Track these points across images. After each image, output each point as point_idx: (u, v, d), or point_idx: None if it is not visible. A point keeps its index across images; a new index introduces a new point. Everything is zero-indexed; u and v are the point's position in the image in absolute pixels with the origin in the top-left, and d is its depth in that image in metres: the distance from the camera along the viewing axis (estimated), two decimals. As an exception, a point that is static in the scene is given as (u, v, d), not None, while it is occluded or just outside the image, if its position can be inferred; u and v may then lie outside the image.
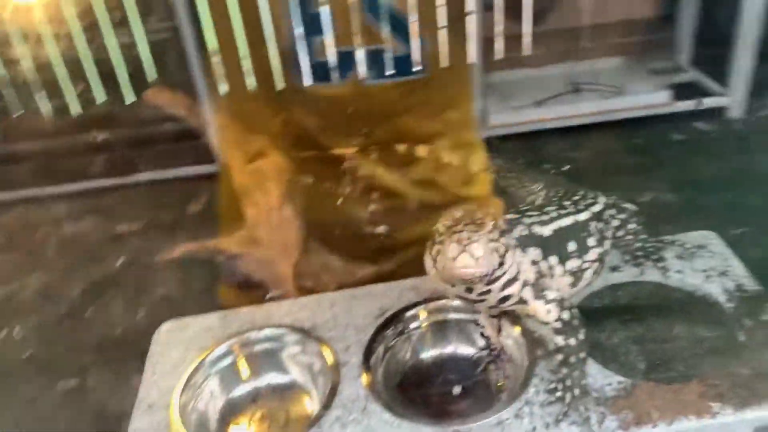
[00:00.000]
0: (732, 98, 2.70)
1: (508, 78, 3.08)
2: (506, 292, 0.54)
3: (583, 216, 0.59)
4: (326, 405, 0.59)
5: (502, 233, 0.51)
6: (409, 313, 0.67)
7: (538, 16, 0.63)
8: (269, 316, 0.70)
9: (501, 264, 0.51)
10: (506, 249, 0.51)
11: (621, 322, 0.63)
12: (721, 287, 0.64)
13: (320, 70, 0.71)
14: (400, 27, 0.69)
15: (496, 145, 0.78)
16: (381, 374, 0.62)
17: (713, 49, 3.05)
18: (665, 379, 0.56)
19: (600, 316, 0.64)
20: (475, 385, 0.63)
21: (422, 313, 0.67)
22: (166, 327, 0.70)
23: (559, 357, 0.55)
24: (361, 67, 0.71)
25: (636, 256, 0.67)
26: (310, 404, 0.64)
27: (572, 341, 0.54)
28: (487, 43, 0.65)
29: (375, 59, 0.70)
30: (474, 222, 0.49)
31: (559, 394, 0.55)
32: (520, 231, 0.56)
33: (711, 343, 0.59)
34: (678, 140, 2.79)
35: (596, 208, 0.62)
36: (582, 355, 0.55)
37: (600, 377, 0.57)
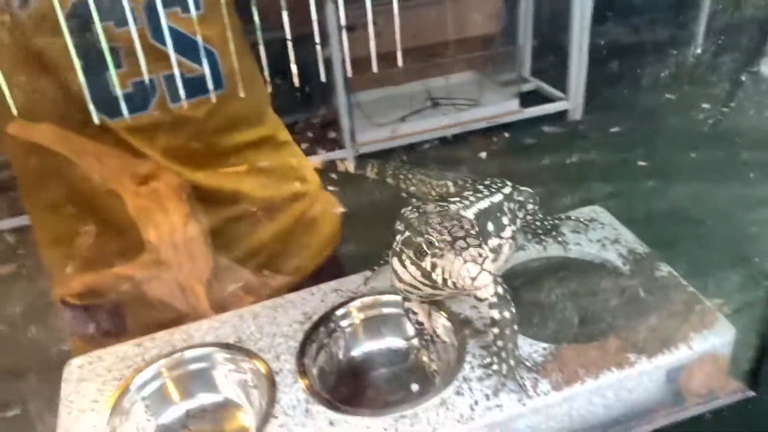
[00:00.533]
0: (571, 102, 2.97)
1: (372, 97, 3.16)
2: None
3: (496, 198, 0.63)
4: (267, 416, 0.57)
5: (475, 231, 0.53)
6: (339, 312, 0.67)
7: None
8: (189, 336, 0.67)
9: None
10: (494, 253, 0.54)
11: (535, 295, 0.67)
12: (616, 253, 0.70)
13: (115, 105, 0.68)
14: (188, 47, 0.69)
15: (366, 162, 0.81)
16: (317, 375, 0.62)
17: (551, 60, 3.35)
18: (585, 340, 0.60)
19: (517, 291, 0.67)
20: (410, 372, 0.64)
21: (353, 310, 0.67)
22: (76, 362, 0.65)
23: (495, 330, 0.57)
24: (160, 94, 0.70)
25: (537, 234, 0.72)
26: (247, 420, 0.62)
27: (506, 314, 0.57)
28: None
29: (170, 84, 0.70)
30: (462, 228, 0.51)
31: (495, 367, 0.57)
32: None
33: (618, 302, 0.64)
34: (530, 143, 3.01)
35: (506, 190, 0.66)
36: (515, 327, 0.58)
37: (526, 346, 0.60)
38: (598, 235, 0.73)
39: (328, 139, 2.92)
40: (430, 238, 0.50)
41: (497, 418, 0.55)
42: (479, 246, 0.50)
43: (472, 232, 0.51)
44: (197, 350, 0.64)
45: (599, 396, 0.57)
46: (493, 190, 0.64)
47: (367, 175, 0.82)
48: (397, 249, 0.55)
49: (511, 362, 0.57)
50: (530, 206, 0.70)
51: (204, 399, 0.64)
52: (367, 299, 0.67)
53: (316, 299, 0.69)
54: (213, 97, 0.71)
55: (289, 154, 0.86)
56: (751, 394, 0.58)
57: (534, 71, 3.31)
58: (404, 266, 0.54)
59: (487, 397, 0.56)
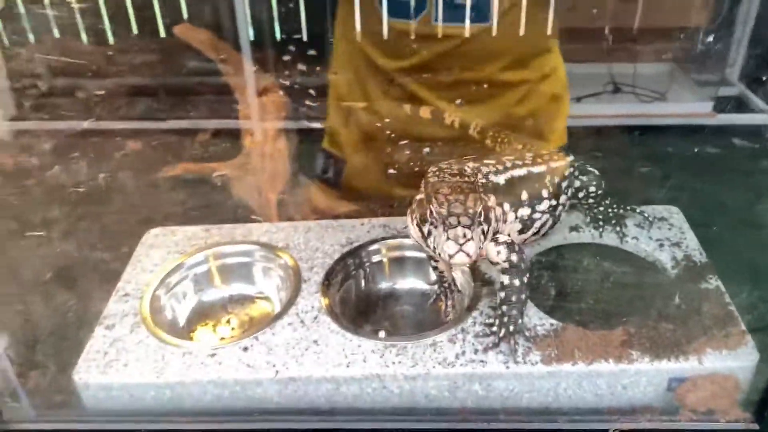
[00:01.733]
0: (776, 117, 2.65)
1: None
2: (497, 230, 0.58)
3: (537, 169, 0.63)
4: (282, 312, 0.64)
5: (482, 209, 0.54)
6: (372, 247, 0.71)
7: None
8: (249, 233, 0.75)
9: (487, 232, 0.55)
10: (488, 223, 0.55)
11: (570, 275, 0.66)
12: (670, 256, 0.66)
13: (399, 8, 0.73)
14: None
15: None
16: (337, 293, 0.67)
17: (764, 68, 2.99)
18: (595, 327, 0.59)
19: (553, 268, 0.67)
20: (426, 313, 0.67)
21: (383, 248, 0.71)
22: (155, 231, 0.76)
23: (502, 294, 0.59)
24: (432, 10, 0.74)
25: (596, 219, 0.70)
26: (271, 310, 0.69)
27: (516, 282, 0.58)
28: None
29: (444, 4, 0.74)
30: (462, 205, 0.52)
31: (494, 328, 0.59)
32: (478, 179, 0.59)
33: (646, 302, 0.62)
34: (713, 152, 2.75)
35: (555, 164, 0.65)
36: (523, 296, 0.58)
37: (535, 318, 0.60)
38: (661, 235, 0.69)
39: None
40: (431, 208, 0.53)
41: (477, 371, 0.57)
42: (468, 227, 0.51)
43: (470, 212, 0.52)
44: (245, 245, 0.72)
45: (590, 383, 0.56)
46: (539, 161, 0.63)
47: (470, 132, 0.83)
48: (413, 207, 0.57)
49: (511, 327, 0.58)
50: (592, 189, 0.68)
51: (241, 288, 0.72)
52: (398, 240, 0.71)
53: (363, 229, 0.74)
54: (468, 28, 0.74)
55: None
56: (755, 427, 0.53)
57: (742, 75, 2.99)
58: (413, 224, 0.57)
59: (476, 351, 0.58)
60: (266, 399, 0.59)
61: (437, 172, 0.58)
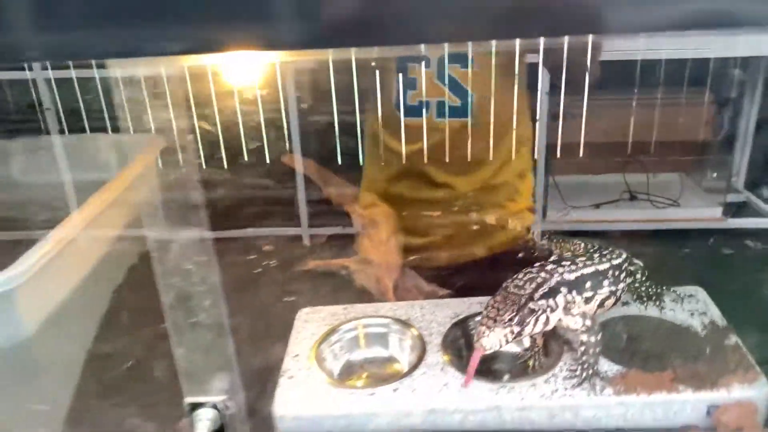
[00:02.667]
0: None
1: (570, 182, 3.34)
2: (537, 330, 0.81)
3: (602, 266, 0.87)
4: (416, 365, 0.87)
5: (517, 312, 0.77)
6: (478, 318, 0.95)
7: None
8: (376, 310, 0.99)
9: (517, 334, 0.78)
10: (519, 325, 0.79)
11: (628, 336, 0.90)
12: (700, 322, 0.90)
13: (410, 110, 1.11)
14: (457, 89, 1.10)
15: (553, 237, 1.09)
16: (453, 353, 0.90)
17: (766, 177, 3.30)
18: (650, 371, 0.82)
19: (615, 332, 0.90)
20: (517, 370, 0.90)
21: (484, 315, 0.95)
22: (305, 311, 1.00)
23: (582, 348, 0.82)
24: (432, 111, 1.13)
25: (641, 297, 0.94)
26: (402, 369, 0.92)
27: (592, 339, 0.81)
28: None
29: (440, 107, 1.10)
30: (504, 308, 0.76)
31: (578, 372, 0.82)
32: (556, 278, 0.84)
33: (686, 352, 0.85)
34: (727, 253, 2.99)
35: (616, 261, 0.90)
36: (597, 349, 0.82)
37: (606, 366, 0.83)
38: (691, 307, 0.93)
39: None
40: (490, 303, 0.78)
41: (568, 403, 0.79)
42: (489, 327, 0.75)
43: (505, 316, 0.76)
44: (380, 319, 0.97)
45: (649, 410, 0.78)
46: (605, 260, 0.88)
47: (552, 249, 1.08)
48: None
49: (590, 371, 0.81)
50: (638, 276, 0.93)
51: (378, 352, 0.95)
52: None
53: (465, 306, 0.98)
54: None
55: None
56: (772, 438, 0.75)
57: (747, 184, 3.28)
58: None
59: (566, 388, 0.81)
60: (413, 426, 0.81)
61: (514, 278, 0.83)
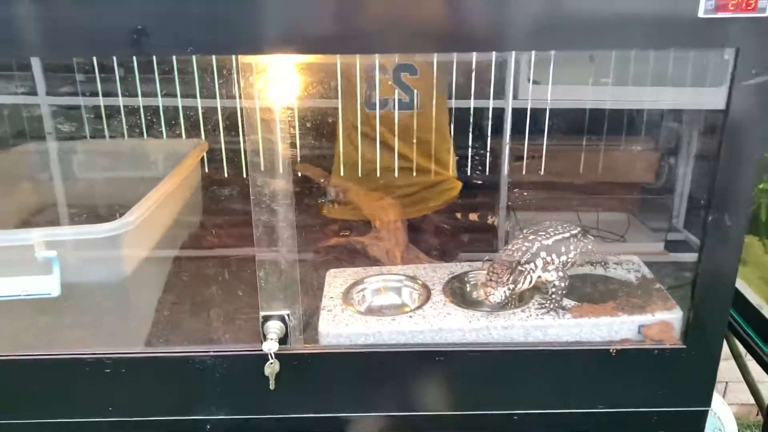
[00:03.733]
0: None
1: (529, 217, 3.66)
2: (526, 286, 1.10)
3: (566, 235, 1.18)
4: (424, 303, 1.15)
5: (511, 273, 1.08)
6: (469, 275, 1.24)
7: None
8: (389, 270, 1.27)
9: (512, 289, 1.08)
10: (514, 283, 1.09)
11: (583, 284, 1.20)
12: (634, 276, 1.21)
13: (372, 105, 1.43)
14: (406, 88, 1.45)
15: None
16: (452, 296, 1.18)
17: (699, 218, 3.70)
18: (597, 302, 1.11)
19: (573, 283, 1.20)
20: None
21: (473, 273, 1.24)
22: (332, 271, 1.27)
23: (552, 289, 1.11)
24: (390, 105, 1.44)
25: (591, 262, 1.25)
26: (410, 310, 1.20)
27: (562, 284, 1.11)
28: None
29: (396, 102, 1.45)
30: (502, 271, 1.07)
31: (547, 304, 1.11)
32: (536, 245, 1.14)
33: (623, 293, 1.15)
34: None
35: (574, 231, 1.20)
36: (563, 291, 1.11)
37: (567, 302, 1.12)
38: (628, 267, 1.24)
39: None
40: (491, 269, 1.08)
41: (538, 323, 1.08)
42: (495, 284, 1.06)
43: (503, 278, 1.06)
44: (395, 275, 1.24)
45: (597, 329, 1.08)
46: (565, 231, 1.18)
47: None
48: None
49: (555, 305, 1.10)
50: (590, 246, 1.24)
51: (392, 300, 1.23)
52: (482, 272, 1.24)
53: (457, 267, 1.27)
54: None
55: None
56: (683, 346, 1.05)
57: (686, 223, 3.67)
58: None
59: (537, 314, 1.09)
60: (425, 341, 1.08)
61: (506, 248, 1.13)
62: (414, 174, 1.51)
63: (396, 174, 1.49)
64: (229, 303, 1.23)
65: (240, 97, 1.36)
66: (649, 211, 3.86)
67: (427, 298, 1.17)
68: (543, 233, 1.17)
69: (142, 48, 0.88)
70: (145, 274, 1.17)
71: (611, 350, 1.05)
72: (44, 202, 1.54)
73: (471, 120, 1.66)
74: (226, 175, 1.77)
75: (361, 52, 1.20)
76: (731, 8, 0.85)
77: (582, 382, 1.07)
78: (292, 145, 1.02)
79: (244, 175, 1.77)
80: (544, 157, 2.02)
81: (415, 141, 1.47)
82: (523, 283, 1.10)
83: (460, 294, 1.20)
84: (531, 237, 1.16)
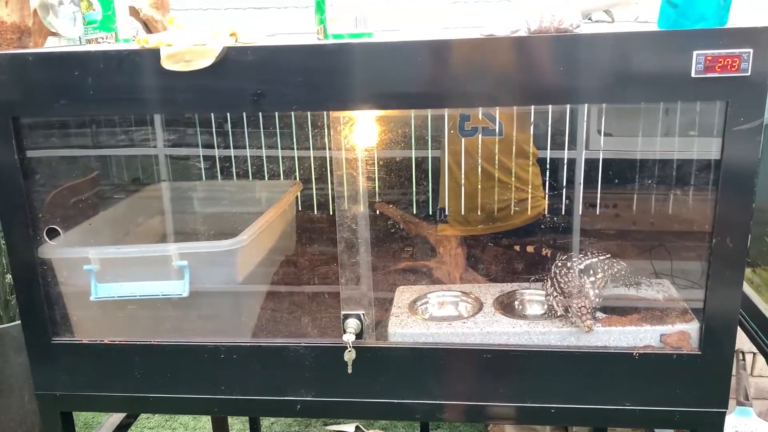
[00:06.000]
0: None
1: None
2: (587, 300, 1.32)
3: (595, 260, 1.38)
4: (476, 313, 1.37)
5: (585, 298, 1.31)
6: (516, 292, 1.46)
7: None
8: (450, 288, 1.51)
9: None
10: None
11: (614, 300, 1.39)
12: (662, 295, 1.39)
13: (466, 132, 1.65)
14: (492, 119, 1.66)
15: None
16: (501, 309, 1.40)
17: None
18: (625, 315, 1.30)
19: (605, 298, 1.40)
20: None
21: (520, 291, 1.46)
22: (401, 288, 1.52)
23: (586, 302, 1.32)
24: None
25: (625, 283, 1.44)
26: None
27: (597, 300, 1.31)
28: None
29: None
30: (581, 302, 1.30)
31: (573, 320, 1.31)
32: (585, 263, 1.35)
33: (648, 306, 1.33)
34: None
35: (602, 257, 1.40)
36: (597, 305, 1.31)
37: (598, 314, 1.32)
38: (657, 288, 1.42)
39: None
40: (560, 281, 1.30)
41: (572, 330, 1.28)
42: (587, 313, 1.27)
43: (586, 304, 1.28)
44: (453, 292, 1.48)
45: (624, 336, 1.27)
46: (596, 257, 1.39)
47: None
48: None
49: (589, 315, 1.30)
50: (618, 269, 1.43)
51: (450, 311, 1.46)
52: (528, 290, 1.46)
53: (507, 287, 1.49)
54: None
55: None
56: (698, 352, 1.22)
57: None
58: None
59: (572, 323, 1.30)
60: (475, 341, 1.30)
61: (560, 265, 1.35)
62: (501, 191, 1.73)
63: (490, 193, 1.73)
64: (316, 310, 1.50)
65: (328, 148, 1.68)
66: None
67: (479, 309, 1.39)
68: (576, 260, 1.38)
69: (259, 106, 1.18)
70: (252, 283, 1.46)
71: (634, 354, 1.23)
72: (171, 230, 1.89)
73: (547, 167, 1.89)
74: (315, 211, 2.08)
75: (429, 107, 1.48)
76: (718, 69, 1.07)
77: (610, 381, 1.26)
78: (369, 179, 1.29)
79: (331, 212, 2.07)
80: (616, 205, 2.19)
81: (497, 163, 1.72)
82: (584, 297, 1.32)
83: (507, 307, 1.42)
84: (569, 264, 1.38)
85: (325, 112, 1.33)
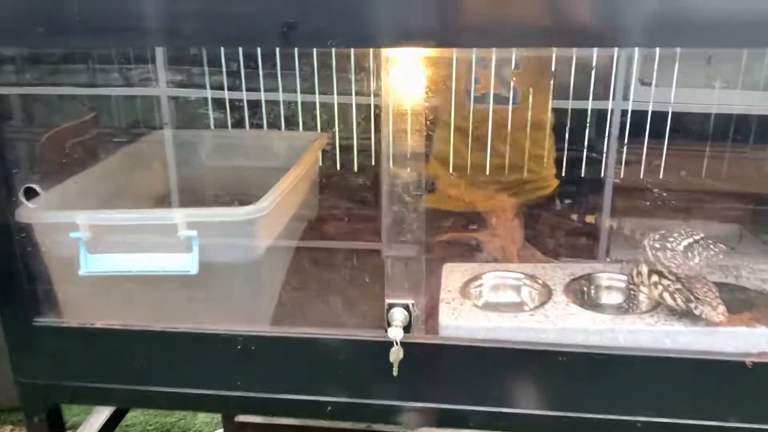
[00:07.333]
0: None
1: (633, 226, 3.53)
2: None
3: (692, 240, 1.13)
4: (545, 302, 1.13)
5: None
6: (592, 277, 1.22)
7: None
8: (506, 267, 1.27)
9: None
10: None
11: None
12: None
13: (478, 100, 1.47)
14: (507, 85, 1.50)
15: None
16: (575, 297, 1.16)
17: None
18: (732, 312, 1.07)
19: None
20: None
21: (597, 276, 1.22)
22: (449, 265, 1.28)
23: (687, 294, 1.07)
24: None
25: (723, 269, 1.19)
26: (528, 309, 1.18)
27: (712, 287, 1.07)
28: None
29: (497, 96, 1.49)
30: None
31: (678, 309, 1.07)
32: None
33: (760, 303, 1.09)
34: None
35: (697, 237, 1.16)
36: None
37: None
38: (764, 278, 1.18)
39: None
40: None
41: (668, 329, 1.04)
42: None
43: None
44: (514, 273, 1.24)
45: (732, 339, 1.03)
46: (690, 236, 1.14)
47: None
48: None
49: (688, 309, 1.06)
50: (716, 251, 1.18)
51: (510, 297, 1.22)
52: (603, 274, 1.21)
53: (578, 267, 1.25)
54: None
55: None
56: (828, 362, 0.98)
57: (804, 240, 3.43)
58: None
59: (665, 320, 1.06)
60: (547, 340, 1.07)
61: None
62: (507, 170, 1.57)
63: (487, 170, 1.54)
64: (345, 289, 1.26)
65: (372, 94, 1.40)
66: (764, 224, 3.63)
67: (548, 297, 1.16)
68: (672, 240, 1.13)
69: (289, 40, 0.92)
70: (272, 257, 1.22)
71: (747, 363, 1.00)
72: (175, 187, 1.63)
73: (587, 120, 1.65)
74: (338, 168, 1.83)
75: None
76: None
77: (713, 393, 1.03)
78: (428, 137, 1.04)
79: (355, 170, 1.82)
80: (643, 162, 1.96)
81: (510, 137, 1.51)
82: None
83: (583, 296, 1.18)
84: (669, 244, 1.13)
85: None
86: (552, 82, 1.58)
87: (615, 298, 1.20)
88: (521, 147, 1.61)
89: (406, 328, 1.05)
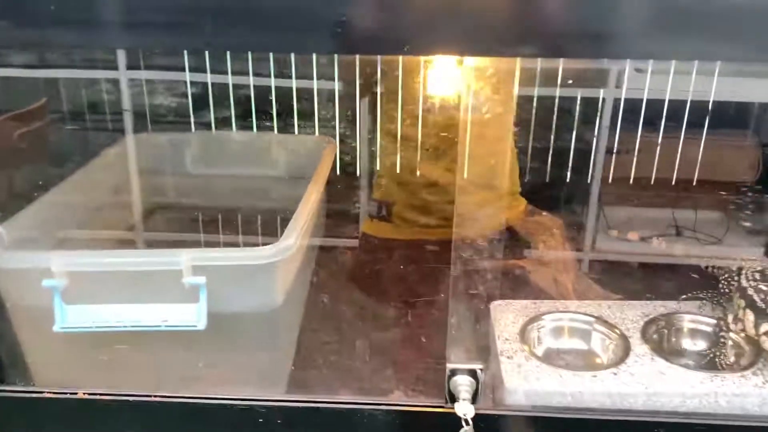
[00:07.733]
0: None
1: (618, 214, 3.42)
2: None
3: None
4: (624, 355, 0.96)
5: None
6: (673, 319, 1.04)
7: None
8: (565, 306, 1.08)
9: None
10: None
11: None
12: None
13: None
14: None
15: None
16: (656, 346, 0.99)
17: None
18: None
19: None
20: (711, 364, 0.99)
21: (677, 317, 1.05)
22: (498, 302, 1.09)
23: None
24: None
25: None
26: (600, 362, 1.00)
27: None
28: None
29: None
30: None
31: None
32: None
33: None
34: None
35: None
36: None
37: (802, 365, 0.92)
38: None
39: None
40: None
41: (779, 393, 0.88)
42: None
43: None
44: (580, 315, 1.05)
45: None
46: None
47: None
48: None
49: None
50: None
51: (577, 344, 1.04)
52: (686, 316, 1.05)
53: (650, 307, 1.07)
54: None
55: None
56: None
57: (788, 226, 3.38)
58: None
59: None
60: (635, 406, 0.89)
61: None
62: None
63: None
64: (385, 333, 1.06)
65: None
66: (748, 212, 3.57)
67: (626, 348, 0.98)
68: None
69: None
70: (291, 301, 1.01)
71: None
72: (156, 201, 1.39)
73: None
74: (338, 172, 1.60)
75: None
76: None
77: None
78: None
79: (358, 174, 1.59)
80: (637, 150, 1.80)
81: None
82: None
83: (666, 345, 1.01)
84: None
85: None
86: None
87: (698, 345, 1.04)
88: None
89: (474, 398, 0.86)
